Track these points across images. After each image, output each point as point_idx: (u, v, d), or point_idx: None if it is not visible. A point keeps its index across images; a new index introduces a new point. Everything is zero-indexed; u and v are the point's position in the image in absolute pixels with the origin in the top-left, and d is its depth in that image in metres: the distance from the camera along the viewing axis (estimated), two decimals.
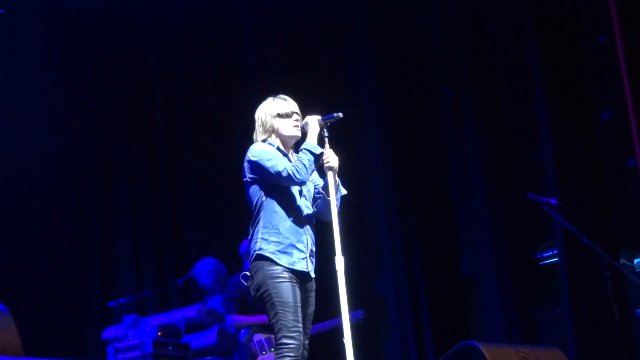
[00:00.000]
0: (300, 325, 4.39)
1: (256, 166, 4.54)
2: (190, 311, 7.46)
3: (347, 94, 9.16)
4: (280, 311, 4.36)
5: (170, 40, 9.94)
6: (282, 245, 4.47)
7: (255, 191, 4.59)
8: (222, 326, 7.53)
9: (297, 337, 4.35)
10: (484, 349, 5.46)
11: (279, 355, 4.34)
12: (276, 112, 4.64)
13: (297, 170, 4.45)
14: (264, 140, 4.65)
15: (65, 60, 9.43)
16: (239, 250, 7.28)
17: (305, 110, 4.74)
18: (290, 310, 4.37)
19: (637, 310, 7.68)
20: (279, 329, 4.36)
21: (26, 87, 9.10)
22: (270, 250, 4.46)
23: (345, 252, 4.44)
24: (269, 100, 4.73)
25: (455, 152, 8.58)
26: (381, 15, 8.85)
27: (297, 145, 4.70)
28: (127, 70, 9.83)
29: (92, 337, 8.59)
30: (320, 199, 4.65)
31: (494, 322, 7.92)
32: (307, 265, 4.52)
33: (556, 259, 7.91)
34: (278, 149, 4.63)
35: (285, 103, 4.69)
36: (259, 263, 4.46)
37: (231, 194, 9.23)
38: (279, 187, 4.53)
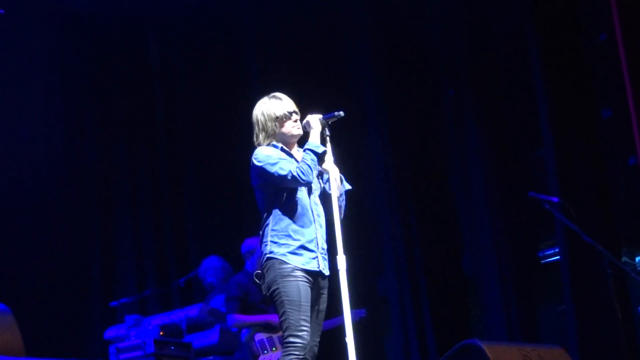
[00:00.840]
0: (308, 324, 4.41)
1: (261, 171, 4.55)
2: (192, 311, 7.46)
3: (348, 92, 9.15)
4: (289, 310, 4.39)
5: (171, 40, 9.94)
6: (293, 247, 4.50)
7: (264, 195, 4.61)
8: (224, 326, 7.53)
9: (303, 336, 4.38)
10: (485, 347, 5.47)
11: (286, 353, 4.38)
12: (274, 115, 4.64)
13: (301, 171, 4.46)
14: (267, 144, 4.65)
15: (66, 61, 9.43)
16: (240, 250, 7.28)
17: (306, 109, 4.74)
18: (298, 309, 4.39)
19: (639, 308, 7.68)
20: (286, 328, 4.40)
21: (27, 87, 9.11)
22: (281, 252, 4.49)
23: (346, 251, 4.45)
24: (264, 101, 4.71)
25: (457, 151, 8.57)
26: (382, 14, 8.84)
27: (300, 141, 4.70)
28: (128, 70, 9.83)
29: (94, 336, 8.60)
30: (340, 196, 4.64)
31: (495, 320, 7.92)
32: (318, 265, 4.54)
33: (558, 257, 7.91)
34: (282, 149, 4.64)
35: (281, 103, 4.68)
36: (270, 262, 4.50)
37: (232, 194, 9.24)
38: (286, 189, 4.55)
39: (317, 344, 4.57)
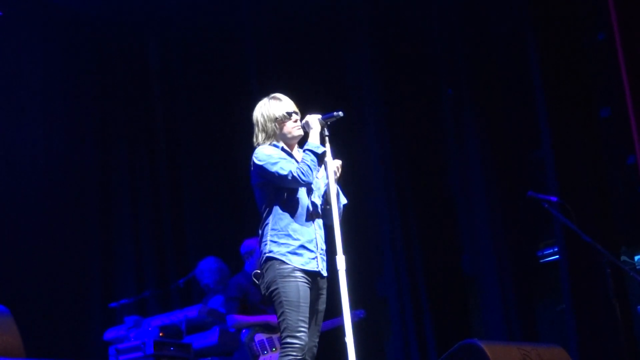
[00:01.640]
0: (306, 325, 4.42)
1: (262, 170, 4.55)
2: (192, 312, 7.47)
3: (347, 92, 9.16)
4: (287, 310, 4.40)
5: (170, 42, 9.95)
6: (292, 247, 4.50)
7: (263, 194, 4.62)
8: (224, 326, 7.54)
9: (301, 337, 4.38)
10: (485, 347, 5.47)
11: (283, 354, 4.38)
12: (274, 116, 4.64)
13: (302, 172, 4.47)
14: (268, 144, 4.64)
15: (65, 62, 9.43)
16: (239, 251, 7.29)
17: (305, 110, 4.74)
18: (297, 310, 4.40)
19: (638, 307, 7.68)
20: (284, 329, 4.40)
21: (26, 90, 9.11)
22: (281, 252, 4.49)
23: (346, 251, 4.45)
24: (264, 102, 4.72)
25: (456, 151, 8.57)
26: (381, 14, 8.85)
27: (300, 141, 4.70)
28: (127, 72, 9.84)
29: (93, 338, 8.59)
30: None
31: (495, 320, 7.92)
32: (317, 265, 4.54)
33: (557, 256, 7.91)
34: (282, 149, 4.64)
35: (281, 104, 4.68)
36: (270, 262, 4.50)
37: (232, 195, 9.25)
38: (286, 188, 4.55)
39: (317, 345, 4.57)
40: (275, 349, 6.68)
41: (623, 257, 7.85)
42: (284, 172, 4.48)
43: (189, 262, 8.99)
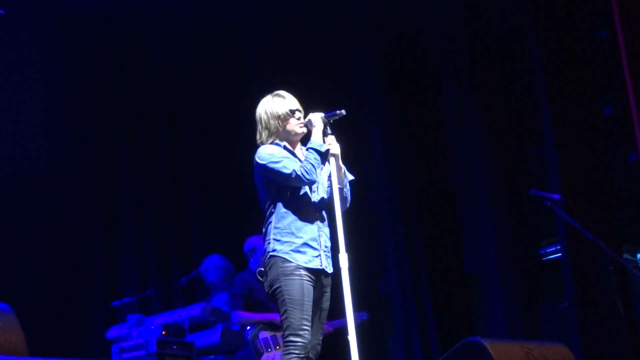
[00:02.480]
0: (309, 323, 4.41)
1: (265, 169, 4.55)
2: (194, 310, 7.46)
3: (349, 90, 9.16)
4: (290, 308, 4.39)
5: (172, 39, 9.94)
6: (296, 245, 4.49)
7: (267, 193, 4.62)
8: (226, 325, 7.54)
9: (304, 335, 4.38)
10: (488, 344, 5.47)
11: (286, 352, 4.37)
12: (278, 114, 4.64)
13: (305, 170, 4.47)
14: (270, 142, 4.65)
15: (67, 61, 9.43)
16: (243, 249, 7.29)
17: (307, 108, 4.74)
18: (300, 308, 4.39)
19: None
20: (287, 327, 4.39)
21: (27, 88, 9.11)
22: (284, 250, 4.48)
23: (348, 250, 4.45)
24: (268, 99, 4.71)
25: (458, 148, 8.58)
26: (383, 11, 8.85)
27: (303, 139, 4.70)
28: (129, 70, 9.83)
29: (96, 336, 8.60)
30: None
31: (497, 318, 7.93)
32: (321, 262, 4.53)
33: (559, 254, 7.92)
34: (285, 148, 4.64)
35: (284, 101, 4.67)
36: (273, 259, 4.50)
37: (234, 192, 9.24)
38: (289, 187, 4.55)
39: (320, 343, 4.57)
40: (279, 347, 6.68)
41: (625, 255, 7.86)
42: (288, 171, 4.48)
43: (191, 261, 9.00)
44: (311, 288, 4.47)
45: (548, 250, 8.63)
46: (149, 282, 9.15)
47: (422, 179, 8.57)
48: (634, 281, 7.36)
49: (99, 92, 9.69)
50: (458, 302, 8.37)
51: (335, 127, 4.65)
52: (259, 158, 4.57)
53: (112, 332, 7.64)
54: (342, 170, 4.66)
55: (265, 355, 6.74)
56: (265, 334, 6.81)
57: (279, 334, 6.69)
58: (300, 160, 4.57)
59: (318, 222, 4.60)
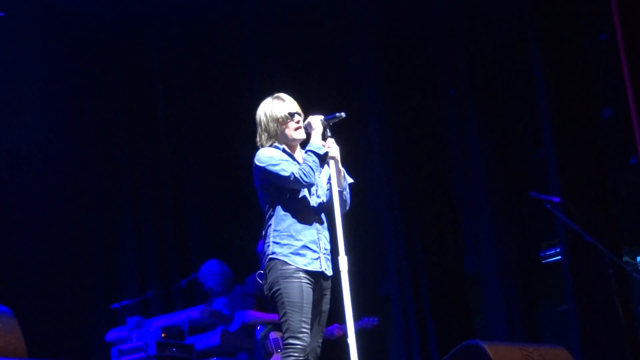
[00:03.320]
0: (308, 326, 4.41)
1: (264, 172, 4.55)
2: (194, 312, 7.47)
3: (349, 93, 9.16)
4: (289, 311, 4.39)
5: (172, 41, 9.94)
6: (295, 247, 4.49)
7: (266, 196, 4.62)
8: (226, 327, 7.54)
9: (303, 338, 4.38)
10: (487, 347, 5.47)
11: (285, 355, 4.37)
12: (277, 116, 4.64)
13: (304, 173, 4.47)
14: (269, 145, 4.65)
15: (67, 62, 9.43)
16: (256, 249, 7.27)
17: (307, 110, 4.74)
18: (299, 311, 4.39)
19: None
20: (286, 329, 4.40)
21: (28, 89, 9.11)
22: (284, 253, 4.49)
23: (348, 252, 4.45)
24: (267, 101, 4.72)
25: (458, 151, 8.57)
26: (383, 13, 8.84)
27: (303, 141, 4.70)
28: (129, 71, 9.84)
29: (95, 338, 8.59)
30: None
31: (497, 320, 7.92)
32: (320, 265, 4.53)
33: (559, 257, 7.91)
34: (284, 150, 4.64)
35: (284, 104, 4.67)
36: (273, 262, 4.50)
37: (234, 195, 9.24)
38: (288, 189, 4.55)
39: (320, 345, 4.57)
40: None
41: (625, 258, 7.85)
42: (286, 174, 4.48)
43: (191, 263, 9.00)
44: (310, 291, 4.47)
45: (548, 253, 8.61)
46: (148, 284, 9.15)
47: (422, 181, 8.57)
48: (634, 284, 7.36)
49: (99, 94, 9.68)
50: (458, 305, 8.36)
51: (335, 129, 4.65)
52: (258, 161, 4.58)
53: (112, 335, 7.64)
54: (342, 173, 4.66)
55: (275, 355, 6.75)
56: (275, 335, 6.82)
57: None
58: (299, 163, 4.57)
59: (317, 224, 4.60)
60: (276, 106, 4.67)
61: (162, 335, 7.34)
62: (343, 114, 4.61)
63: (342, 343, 4.62)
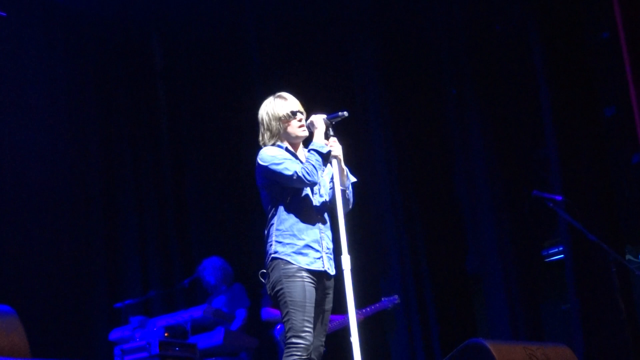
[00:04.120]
0: (311, 325, 4.41)
1: (266, 171, 4.55)
2: (197, 312, 7.48)
3: (351, 92, 9.16)
4: (291, 310, 4.39)
5: (174, 40, 9.95)
6: (297, 247, 4.49)
7: (269, 195, 4.62)
8: (228, 326, 7.55)
9: (306, 337, 4.38)
10: (491, 346, 5.47)
11: (288, 354, 4.37)
12: (279, 115, 4.64)
13: (307, 172, 4.46)
14: (272, 144, 4.65)
15: (69, 61, 9.44)
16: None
17: (310, 110, 4.74)
18: (302, 310, 4.39)
19: None
20: (289, 329, 4.40)
21: (30, 89, 9.11)
22: (286, 252, 4.48)
23: (351, 251, 4.45)
24: (270, 100, 4.72)
25: (460, 150, 8.57)
26: (385, 13, 8.85)
27: (305, 140, 4.70)
28: (131, 71, 9.84)
29: (98, 338, 8.60)
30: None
31: (500, 319, 7.92)
32: (323, 264, 4.53)
33: (562, 255, 7.92)
34: (287, 149, 4.64)
35: (286, 103, 4.67)
36: (275, 262, 4.50)
37: (237, 194, 9.25)
38: (291, 189, 4.55)
39: (323, 344, 4.57)
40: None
41: (628, 256, 7.86)
42: (289, 173, 4.48)
43: (194, 262, 9.00)
44: (313, 290, 4.46)
45: (550, 252, 8.62)
46: (151, 284, 9.16)
47: (425, 180, 8.57)
48: (636, 282, 7.36)
49: (101, 94, 9.69)
50: (460, 303, 8.36)
51: (337, 128, 4.65)
52: (260, 160, 4.58)
53: (115, 334, 7.65)
54: (345, 172, 4.66)
55: None
56: None
57: None
58: (301, 162, 4.57)
59: (320, 224, 4.60)
60: (278, 105, 4.67)
61: (165, 334, 7.34)
62: (346, 113, 4.61)
63: (345, 341, 4.60)
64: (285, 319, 4.42)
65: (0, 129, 8.77)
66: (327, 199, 4.68)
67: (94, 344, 8.73)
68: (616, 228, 7.41)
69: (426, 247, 8.39)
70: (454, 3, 8.48)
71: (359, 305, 6.95)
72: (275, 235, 4.53)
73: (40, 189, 8.90)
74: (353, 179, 4.73)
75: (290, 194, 4.56)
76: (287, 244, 4.50)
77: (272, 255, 4.51)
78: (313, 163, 4.49)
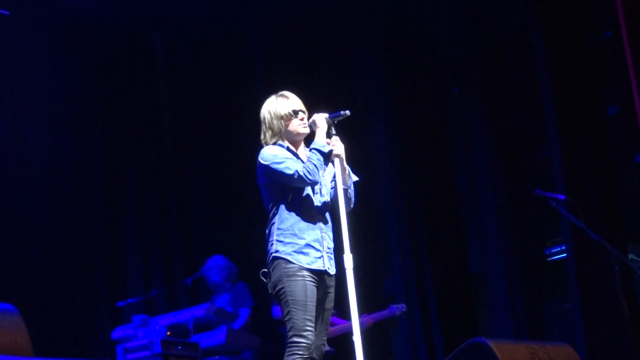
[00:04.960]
0: (312, 324, 4.41)
1: (267, 170, 4.55)
2: (199, 311, 7.48)
3: (354, 91, 9.16)
4: (293, 309, 4.40)
5: (176, 39, 9.96)
6: (298, 246, 4.49)
7: (270, 194, 4.62)
8: (231, 325, 7.55)
9: (308, 336, 4.38)
10: (493, 345, 5.47)
11: (290, 353, 4.37)
12: (281, 114, 4.64)
13: (308, 171, 4.47)
14: (273, 143, 4.65)
15: (71, 61, 9.46)
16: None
17: (312, 109, 4.74)
18: (303, 309, 4.39)
19: None
20: (290, 328, 4.40)
21: (33, 88, 9.13)
22: (287, 251, 4.48)
23: (353, 250, 4.45)
24: (272, 99, 4.72)
25: (462, 149, 8.57)
26: (388, 12, 8.84)
27: (307, 140, 4.70)
28: (133, 70, 9.85)
29: (101, 337, 8.62)
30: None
31: (502, 318, 7.92)
32: (323, 264, 4.53)
33: (564, 254, 7.91)
34: (288, 148, 4.64)
35: (287, 102, 4.67)
36: (276, 261, 4.50)
37: (239, 193, 9.25)
38: (292, 188, 4.55)
39: (325, 343, 4.57)
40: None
41: (631, 255, 7.84)
42: (290, 172, 4.48)
43: (196, 261, 9.01)
44: (314, 289, 4.47)
45: (553, 251, 8.61)
46: (153, 282, 9.17)
47: (427, 179, 8.57)
48: (638, 281, 7.35)
49: (103, 93, 9.71)
50: (463, 303, 8.36)
51: (339, 128, 4.65)
52: (262, 159, 4.58)
53: (117, 333, 7.66)
54: (347, 171, 4.65)
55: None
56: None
57: None
58: (303, 161, 4.57)
59: (321, 223, 4.60)
60: (280, 104, 4.67)
61: (168, 333, 7.35)
62: (348, 112, 4.61)
63: (347, 341, 4.61)
64: (286, 318, 4.42)
65: (2, 128, 8.79)
66: (329, 199, 4.68)
67: (96, 343, 8.74)
68: (619, 227, 7.40)
69: (428, 246, 8.39)
70: (457, 2, 8.48)
71: (363, 307, 6.99)
72: (276, 235, 4.53)
73: (43, 187, 8.92)
74: (355, 178, 4.73)
75: (291, 193, 4.56)
76: (288, 243, 4.50)
77: (273, 254, 4.51)
78: (314, 162, 4.49)
